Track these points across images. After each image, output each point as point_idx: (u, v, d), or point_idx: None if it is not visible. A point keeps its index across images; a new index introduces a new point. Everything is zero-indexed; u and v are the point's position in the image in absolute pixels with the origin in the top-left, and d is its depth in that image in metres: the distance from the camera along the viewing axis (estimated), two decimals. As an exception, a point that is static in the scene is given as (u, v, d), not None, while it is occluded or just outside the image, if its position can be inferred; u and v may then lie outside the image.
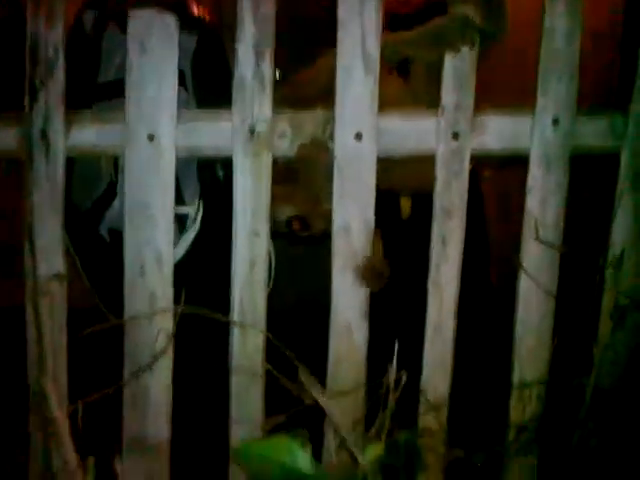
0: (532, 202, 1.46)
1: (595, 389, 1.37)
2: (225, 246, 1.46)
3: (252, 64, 1.38)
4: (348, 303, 1.47)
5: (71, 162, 1.49)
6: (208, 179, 1.66)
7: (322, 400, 1.34)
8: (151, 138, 1.41)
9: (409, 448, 1.30)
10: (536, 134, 1.44)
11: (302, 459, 0.94)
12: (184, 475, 1.56)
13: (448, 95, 1.41)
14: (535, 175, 1.45)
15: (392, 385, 1.21)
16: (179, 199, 1.63)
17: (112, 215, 1.68)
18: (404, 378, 1.31)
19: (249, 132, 1.40)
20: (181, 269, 1.52)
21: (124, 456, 1.52)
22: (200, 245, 1.64)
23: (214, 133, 1.43)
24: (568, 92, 1.42)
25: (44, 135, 1.39)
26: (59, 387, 1.48)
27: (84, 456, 1.37)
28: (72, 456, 0.99)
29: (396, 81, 2.00)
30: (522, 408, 1.49)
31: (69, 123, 1.40)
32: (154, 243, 1.44)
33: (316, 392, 1.12)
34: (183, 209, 1.63)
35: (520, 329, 1.50)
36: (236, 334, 1.48)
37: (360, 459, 1.11)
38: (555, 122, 1.42)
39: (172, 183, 1.43)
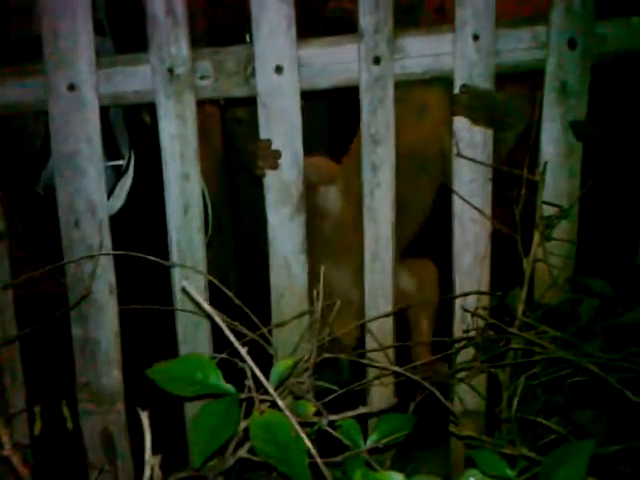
0: (459, 123, 1.44)
1: (527, 301, 1.37)
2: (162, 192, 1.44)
3: (163, 1, 1.33)
4: (284, 238, 1.46)
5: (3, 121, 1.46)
6: (136, 126, 1.63)
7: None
8: (71, 88, 1.38)
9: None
10: (458, 53, 1.41)
11: (213, 375, 0.95)
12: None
13: (366, 17, 1.37)
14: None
15: (318, 314, 1.22)
16: (115, 149, 1.61)
17: (48, 172, 1.64)
18: (337, 306, 1.33)
19: (168, 73, 1.37)
20: (121, 219, 1.51)
21: (79, 406, 1.52)
22: (138, 194, 1.62)
23: (134, 78, 1.39)
24: (487, 3, 1.39)
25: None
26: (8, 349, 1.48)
27: (32, 403, 1.39)
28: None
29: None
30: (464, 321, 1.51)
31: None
32: (85, 194, 1.42)
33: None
34: (117, 161, 1.60)
35: (457, 248, 1.50)
36: (177, 277, 1.47)
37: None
38: (475, 38, 1.39)
39: (98, 132, 1.40)
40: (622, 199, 1.68)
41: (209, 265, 2.40)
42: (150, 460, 0.78)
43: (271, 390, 0.88)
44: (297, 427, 0.86)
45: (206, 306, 0.86)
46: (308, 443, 0.86)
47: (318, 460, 0.85)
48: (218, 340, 1.50)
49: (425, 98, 1.83)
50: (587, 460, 0.82)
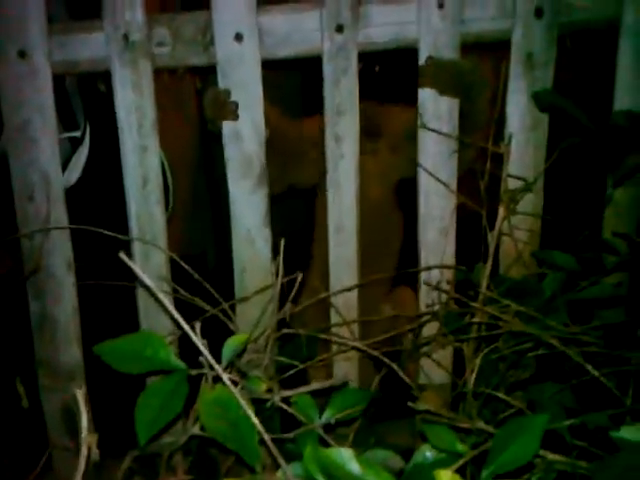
0: (424, 93, 1.40)
1: (492, 276, 1.34)
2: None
3: (114, -37, 1.27)
4: (246, 211, 1.41)
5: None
6: (92, 96, 1.56)
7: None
8: (22, 55, 1.30)
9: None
10: (423, 21, 1.35)
11: (163, 351, 0.91)
12: (102, 397, 1.52)
13: (328, -18, 1.31)
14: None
15: (278, 288, 1.17)
16: (70, 120, 1.54)
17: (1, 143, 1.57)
18: (299, 278, 1.28)
19: (123, 40, 1.30)
20: (78, 192, 1.45)
21: (39, 382, 1.48)
22: (95, 166, 1.55)
23: (88, 45, 1.32)
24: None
25: None
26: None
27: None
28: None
29: None
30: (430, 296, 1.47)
31: None
32: (39, 166, 1.36)
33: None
34: (73, 132, 1.53)
35: (422, 222, 1.45)
36: (137, 252, 1.42)
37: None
38: (440, 6, 1.34)
39: (51, 101, 1.33)
40: (587, 172, 1.64)
41: (185, 241, 2.34)
42: (87, 439, 0.73)
43: (216, 366, 0.83)
44: (243, 403, 0.82)
45: (145, 279, 0.81)
46: (255, 420, 0.82)
47: (265, 437, 0.81)
48: (184, 317, 1.45)
49: None
50: (540, 434, 0.79)
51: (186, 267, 1.32)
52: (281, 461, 0.81)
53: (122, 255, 0.79)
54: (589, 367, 1.11)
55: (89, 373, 1.49)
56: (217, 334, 1.01)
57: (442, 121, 1.40)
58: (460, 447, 0.81)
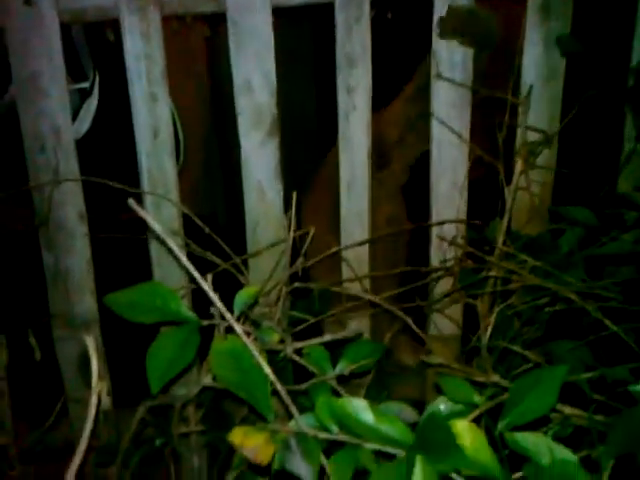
0: (438, 42, 1.34)
1: (507, 232, 1.30)
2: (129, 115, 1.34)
3: None
4: (258, 163, 1.38)
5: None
6: (100, 46, 1.51)
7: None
8: (28, 2, 1.26)
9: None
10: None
11: (174, 302, 0.89)
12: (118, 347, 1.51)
13: None
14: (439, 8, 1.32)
15: (290, 242, 1.14)
16: (79, 71, 1.50)
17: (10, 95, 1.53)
18: (312, 231, 1.25)
19: (132, -13, 1.25)
20: (88, 144, 1.41)
21: (54, 333, 1.46)
22: (105, 117, 1.51)
23: (96, -8, 1.27)
24: None
25: None
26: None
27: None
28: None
29: None
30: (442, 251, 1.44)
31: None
32: (49, 117, 1.32)
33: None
34: (81, 83, 1.49)
35: (434, 174, 1.41)
36: (149, 205, 1.39)
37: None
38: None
39: (59, 50, 1.29)
40: (602, 125, 1.59)
41: (196, 201, 2.31)
42: (96, 386, 0.71)
43: (228, 315, 0.81)
44: (255, 352, 0.80)
45: (156, 226, 0.78)
46: (267, 369, 0.80)
47: (278, 386, 0.79)
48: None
49: None
50: (558, 386, 0.76)
51: (196, 220, 1.30)
52: (294, 410, 0.79)
53: (133, 203, 0.75)
54: (608, 322, 1.08)
55: (108, 326, 1.47)
56: (230, 292, 0.99)
57: (455, 70, 1.35)
58: (477, 399, 0.79)
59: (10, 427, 1.41)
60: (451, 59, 1.34)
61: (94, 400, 0.71)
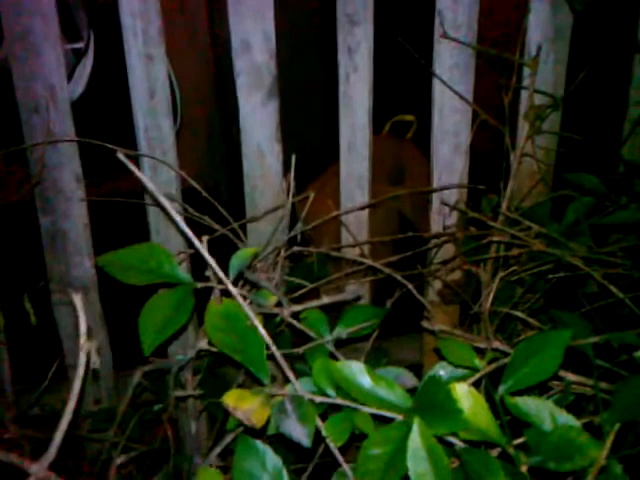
0: (442, 1, 1.28)
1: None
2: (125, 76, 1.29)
3: None
4: (256, 125, 1.33)
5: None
6: (95, 5, 1.45)
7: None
8: (20, -44, 1.20)
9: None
10: None
11: (168, 264, 0.85)
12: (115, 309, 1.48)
13: None
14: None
15: (288, 206, 1.10)
16: (73, 30, 1.44)
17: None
18: (311, 196, 1.21)
19: (126, -58, 1.20)
20: (84, 105, 1.36)
21: (52, 297, 1.43)
22: (100, 78, 1.46)
23: (90, -53, 1.22)
24: None
25: None
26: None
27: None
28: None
29: None
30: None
31: None
32: (43, 76, 1.27)
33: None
34: (76, 43, 1.43)
35: (435, 137, 1.36)
36: (146, 168, 1.35)
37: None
38: None
39: (53, 6, 1.24)
40: (607, 89, 1.53)
41: (199, 173, 2.27)
42: (85, 345, 0.68)
43: (223, 277, 0.77)
44: (251, 314, 0.76)
45: (151, 186, 0.74)
46: (262, 331, 0.76)
47: (273, 348, 0.76)
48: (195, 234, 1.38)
49: None
50: (562, 350, 0.73)
51: (194, 184, 1.25)
52: (289, 374, 0.76)
53: (125, 160, 0.71)
54: (614, 289, 1.04)
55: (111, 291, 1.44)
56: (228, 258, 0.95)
57: (459, 31, 1.30)
58: (478, 363, 0.75)
59: (10, 391, 1.39)
60: (455, 19, 1.28)
61: (82, 359, 0.68)
